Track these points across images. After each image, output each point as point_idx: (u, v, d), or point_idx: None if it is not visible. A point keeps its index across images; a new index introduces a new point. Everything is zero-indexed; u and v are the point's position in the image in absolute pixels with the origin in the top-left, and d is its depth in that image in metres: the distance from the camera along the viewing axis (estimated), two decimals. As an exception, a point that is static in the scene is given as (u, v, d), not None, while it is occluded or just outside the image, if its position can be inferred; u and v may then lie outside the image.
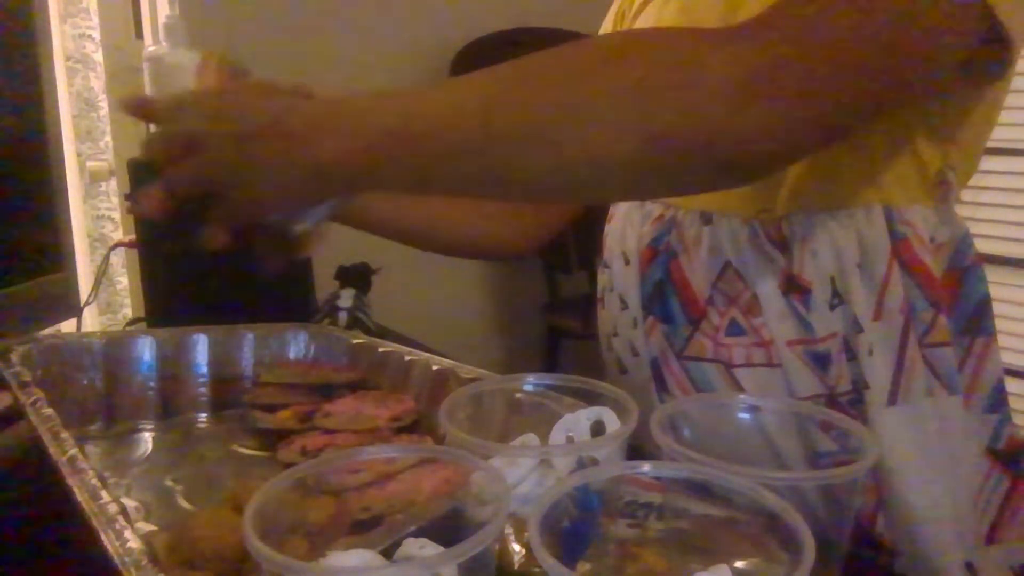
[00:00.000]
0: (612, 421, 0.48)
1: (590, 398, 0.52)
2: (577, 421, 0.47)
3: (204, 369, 0.81)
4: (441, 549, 0.37)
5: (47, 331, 0.92)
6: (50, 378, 0.71)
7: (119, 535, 0.42)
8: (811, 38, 0.48)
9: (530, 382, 0.56)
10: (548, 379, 0.55)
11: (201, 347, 0.81)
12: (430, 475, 0.49)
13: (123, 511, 0.45)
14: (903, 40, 0.49)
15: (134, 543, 0.41)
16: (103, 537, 0.42)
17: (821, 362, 0.65)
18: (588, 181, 0.50)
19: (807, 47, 0.48)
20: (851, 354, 0.64)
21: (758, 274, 0.66)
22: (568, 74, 0.49)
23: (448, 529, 0.42)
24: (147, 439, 0.76)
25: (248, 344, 0.83)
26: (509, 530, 0.46)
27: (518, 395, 0.57)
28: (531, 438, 0.47)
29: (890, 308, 0.63)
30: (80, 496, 0.47)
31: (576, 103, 0.47)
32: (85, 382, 0.76)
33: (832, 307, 0.64)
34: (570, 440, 0.47)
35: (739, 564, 0.42)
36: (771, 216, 0.66)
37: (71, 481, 0.49)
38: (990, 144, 0.68)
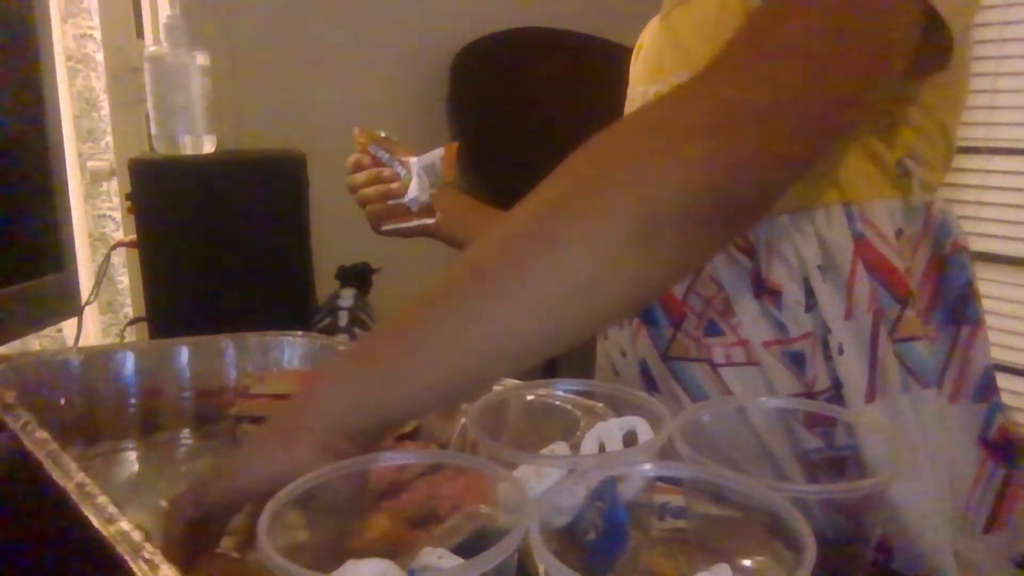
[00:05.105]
0: (645, 431, 0.46)
1: (621, 406, 0.51)
2: (609, 430, 0.46)
3: (187, 382, 0.79)
4: (459, 560, 0.35)
5: (28, 339, 0.89)
6: (26, 398, 0.66)
7: (153, 567, 0.40)
8: (770, 80, 0.48)
9: (559, 388, 0.54)
10: (578, 385, 0.54)
11: (183, 359, 0.79)
12: (449, 483, 0.46)
13: (148, 538, 0.43)
14: (859, 49, 0.49)
15: (170, 572, 0.39)
16: (134, 567, 0.40)
17: (797, 362, 0.65)
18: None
19: (769, 87, 0.48)
20: (828, 353, 0.64)
21: (729, 278, 0.67)
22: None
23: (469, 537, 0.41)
24: (132, 458, 0.73)
25: (231, 354, 0.81)
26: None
27: (546, 402, 0.55)
28: (561, 447, 0.46)
29: (859, 307, 0.63)
30: (98, 523, 0.44)
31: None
32: (63, 401, 0.73)
33: (808, 308, 0.65)
34: (602, 449, 0.46)
35: (745, 563, 0.42)
36: None
37: (86, 508, 0.46)
38: (993, 143, 0.68)
